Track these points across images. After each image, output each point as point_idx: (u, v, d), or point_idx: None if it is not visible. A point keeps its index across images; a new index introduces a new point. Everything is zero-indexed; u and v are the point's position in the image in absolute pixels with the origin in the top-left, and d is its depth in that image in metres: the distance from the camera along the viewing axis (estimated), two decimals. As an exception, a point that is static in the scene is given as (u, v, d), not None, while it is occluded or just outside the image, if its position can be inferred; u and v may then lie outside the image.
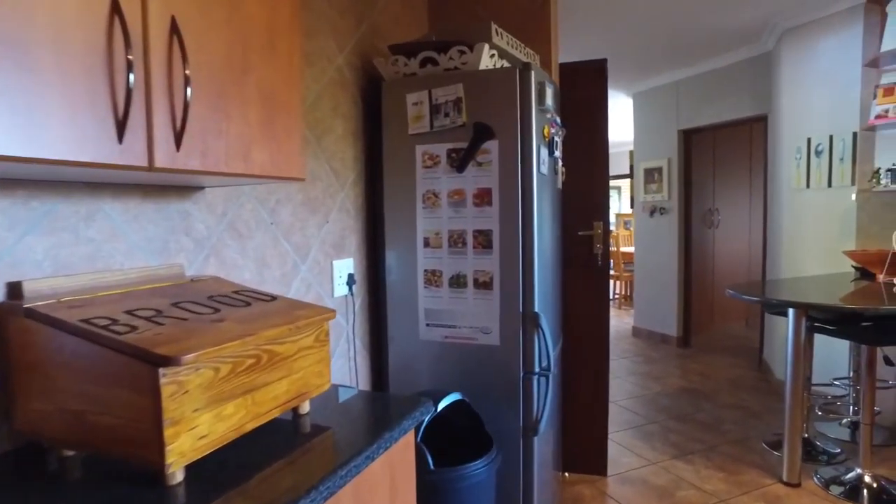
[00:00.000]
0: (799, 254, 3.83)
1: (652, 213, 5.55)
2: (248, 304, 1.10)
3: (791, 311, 2.53)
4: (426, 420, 1.70)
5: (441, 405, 1.73)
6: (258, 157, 1.14)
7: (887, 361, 2.90)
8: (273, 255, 1.70)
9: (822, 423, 3.40)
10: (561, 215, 2.57)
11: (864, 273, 3.23)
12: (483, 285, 1.97)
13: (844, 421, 3.36)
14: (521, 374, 1.95)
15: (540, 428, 1.97)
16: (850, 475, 2.71)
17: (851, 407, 3.32)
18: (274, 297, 1.19)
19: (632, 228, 9.15)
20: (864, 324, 2.78)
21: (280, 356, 1.02)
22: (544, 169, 2.02)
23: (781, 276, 3.99)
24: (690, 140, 5.29)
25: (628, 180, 9.22)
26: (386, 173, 2.08)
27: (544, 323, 1.94)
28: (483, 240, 1.96)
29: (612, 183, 12.23)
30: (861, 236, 3.41)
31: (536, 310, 1.93)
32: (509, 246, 1.92)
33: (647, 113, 5.62)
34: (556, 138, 2.14)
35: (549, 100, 2.00)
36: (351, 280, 2.04)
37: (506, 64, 2.08)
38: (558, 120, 2.19)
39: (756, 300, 2.51)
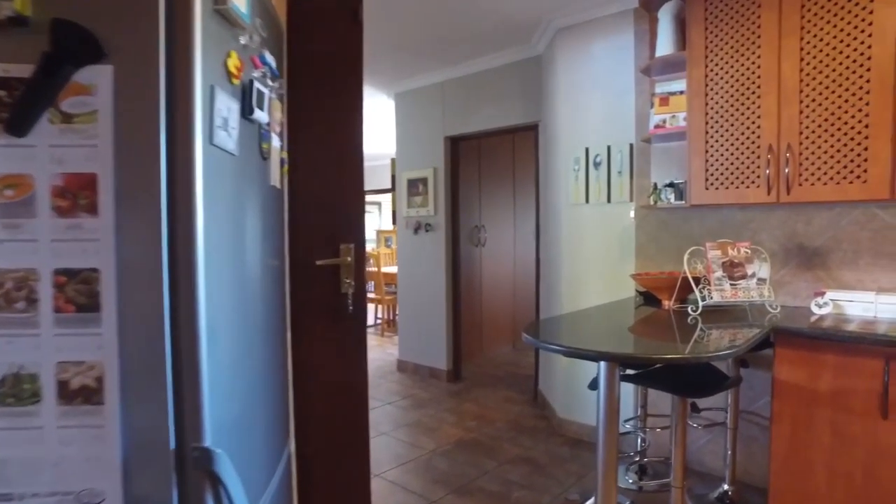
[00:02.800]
0: (579, 275, 3.44)
1: (416, 229, 4.89)
2: None
3: (603, 365, 1.92)
4: None
5: None
6: None
7: (694, 408, 2.55)
8: None
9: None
10: (283, 235, 1.56)
11: (647, 298, 2.89)
12: (79, 396, 0.86)
13: (630, 466, 2.97)
14: (182, 582, 0.89)
15: None
16: (656, 549, 2.21)
17: (640, 448, 2.94)
18: None
19: (393, 246, 8.59)
20: (656, 367, 2.34)
21: None
22: (229, 140, 1.00)
23: (560, 299, 3.58)
24: (458, 149, 4.77)
25: (390, 195, 8.64)
26: None
27: (229, 473, 0.91)
28: (78, 293, 0.85)
29: (372, 198, 11.67)
30: (640, 257, 3.10)
31: (208, 443, 0.89)
32: (140, 305, 0.85)
33: (411, 116, 4.97)
34: (262, 88, 1.14)
35: (244, 4, 1.00)
36: None
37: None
38: (269, 59, 1.19)
39: (561, 349, 1.84)
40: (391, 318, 7.22)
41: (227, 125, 0.97)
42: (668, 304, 2.66)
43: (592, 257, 3.36)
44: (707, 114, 2.55)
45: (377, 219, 11.89)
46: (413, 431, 3.59)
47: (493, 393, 4.39)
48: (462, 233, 4.99)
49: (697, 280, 2.49)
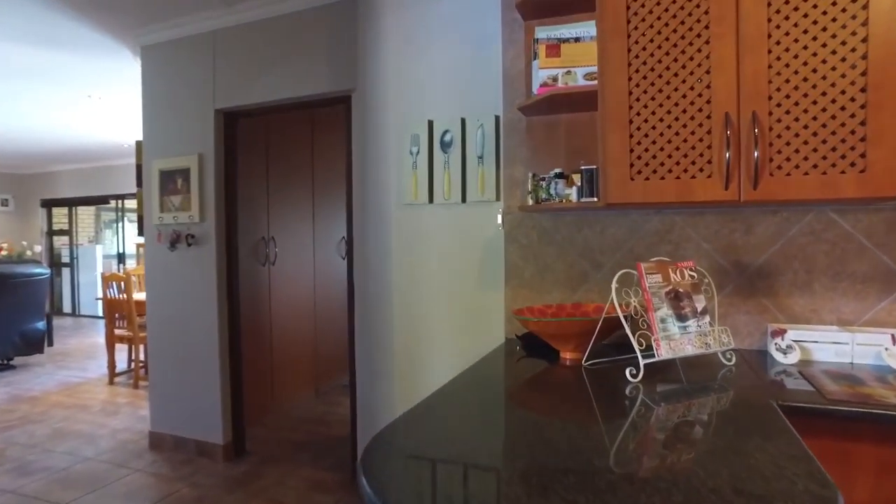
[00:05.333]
0: (419, 308, 2.37)
1: (174, 242, 3.37)
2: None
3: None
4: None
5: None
6: None
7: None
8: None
9: None
10: None
11: (530, 344, 1.92)
12: None
13: None
14: None
15: None
16: None
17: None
18: None
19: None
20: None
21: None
22: None
23: (391, 345, 2.46)
24: (235, 128, 3.38)
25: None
26: None
27: None
28: None
29: (128, 203, 9.39)
30: (511, 283, 2.13)
31: None
32: None
33: (166, 80, 3.44)
34: None
35: None
36: None
37: None
38: None
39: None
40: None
41: None
42: (569, 357, 1.72)
43: (439, 282, 2.32)
44: (631, 65, 1.67)
45: (136, 230, 9.57)
46: (158, 580, 2.15)
47: (294, 473, 3.09)
48: (242, 247, 3.61)
49: (625, 320, 1.58)
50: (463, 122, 2.20)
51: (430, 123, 2.26)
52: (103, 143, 7.28)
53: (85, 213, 10.17)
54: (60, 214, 10.06)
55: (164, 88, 3.45)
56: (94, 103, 4.98)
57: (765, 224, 1.84)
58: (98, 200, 9.60)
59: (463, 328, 2.28)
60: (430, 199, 2.28)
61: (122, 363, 5.54)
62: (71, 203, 9.80)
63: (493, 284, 2.22)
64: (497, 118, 2.15)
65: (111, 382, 5.11)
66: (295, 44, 3.02)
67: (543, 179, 1.95)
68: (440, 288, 2.32)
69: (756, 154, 1.53)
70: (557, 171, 1.93)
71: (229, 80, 3.23)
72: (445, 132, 2.23)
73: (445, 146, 2.23)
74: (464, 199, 2.22)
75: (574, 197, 1.84)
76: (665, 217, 1.94)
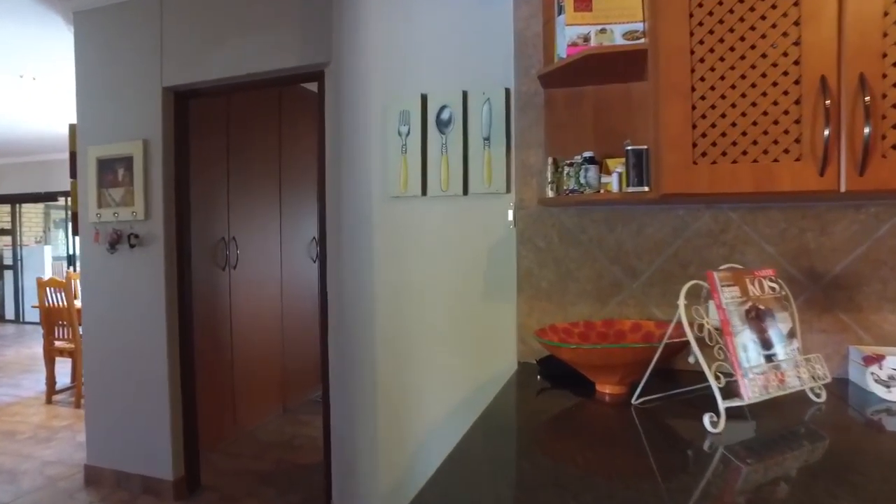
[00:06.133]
0: (410, 325, 1.96)
1: (114, 243, 2.88)
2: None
3: None
4: None
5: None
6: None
7: None
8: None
9: None
10: None
11: (552, 373, 1.53)
12: None
13: None
14: None
15: None
16: None
17: None
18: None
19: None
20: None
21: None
22: None
23: (373, 374, 2.05)
24: (187, 109, 2.91)
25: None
26: None
27: None
28: None
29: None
30: (524, 293, 1.74)
31: None
32: None
33: (105, 52, 2.95)
34: None
35: None
36: None
37: None
38: None
39: None
40: (93, 375, 4.81)
41: None
42: (609, 391, 1.35)
43: (434, 292, 1.91)
44: (693, 16, 1.29)
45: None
46: None
47: (256, 514, 2.64)
48: (198, 248, 3.14)
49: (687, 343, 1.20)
50: (465, 95, 1.80)
51: (424, 98, 1.85)
52: (43, 134, 6.63)
53: (31, 212, 9.43)
54: (2, 212, 9.29)
55: (102, 62, 2.95)
56: (28, 85, 4.40)
57: (845, 222, 1.49)
58: (45, 198, 8.87)
59: (463, 348, 1.88)
60: (424, 191, 1.87)
61: (64, 378, 4.96)
62: (14, 200, 9.04)
63: (501, 295, 1.82)
64: (507, 91, 1.76)
65: (49, 401, 4.54)
66: (259, 9, 2.57)
67: (571, 165, 1.56)
68: (435, 299, 1.92)
69: (867, 130, 1.16)
70: (587, 154, 1.54)
71: (180, 53, 2.76)
72: (443, 108, 1.82)
73: (443, 125, 1.82)
74: (465, 191, 1.82)
75: (615, 186, 1.45)
76: (718, 213, 1.58)
